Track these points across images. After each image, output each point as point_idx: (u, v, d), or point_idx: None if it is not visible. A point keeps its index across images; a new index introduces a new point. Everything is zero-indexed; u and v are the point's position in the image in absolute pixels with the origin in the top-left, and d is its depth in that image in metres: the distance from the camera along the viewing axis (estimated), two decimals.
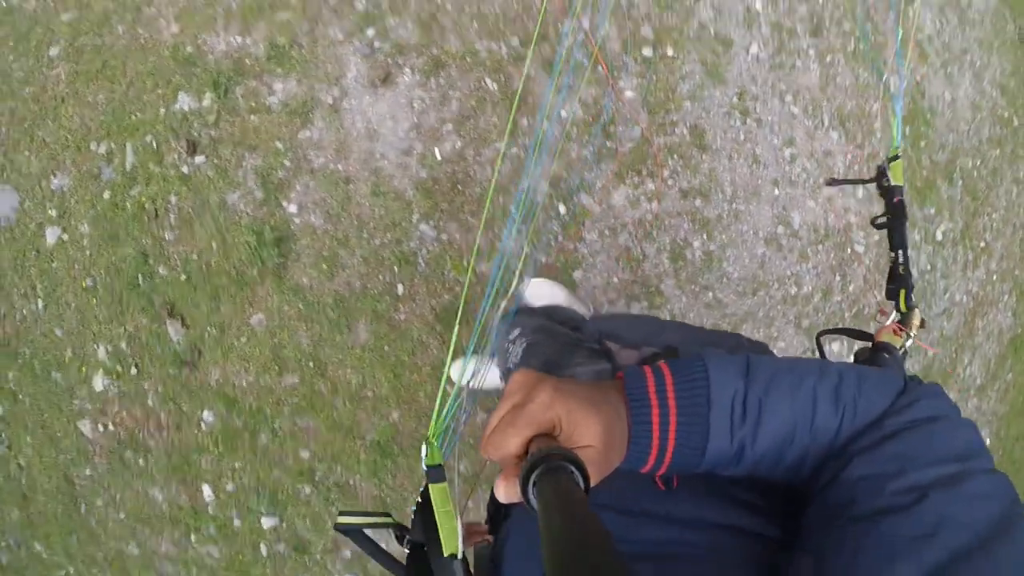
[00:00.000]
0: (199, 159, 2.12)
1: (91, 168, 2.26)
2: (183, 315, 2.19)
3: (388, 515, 0.65)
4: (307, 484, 2.18)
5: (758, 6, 2.17)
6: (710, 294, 2.18)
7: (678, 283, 2.12)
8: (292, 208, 2.03)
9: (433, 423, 0.64)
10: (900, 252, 1.02)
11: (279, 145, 2.03)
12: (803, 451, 0.48)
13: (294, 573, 2.29)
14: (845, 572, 0.39)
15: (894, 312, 1.02)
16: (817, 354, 1.01)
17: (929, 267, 2.50)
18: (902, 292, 1.01)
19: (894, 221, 1.03)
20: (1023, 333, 2.81)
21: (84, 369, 2.36)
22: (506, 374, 1.23)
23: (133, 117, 2.19)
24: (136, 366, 2.27)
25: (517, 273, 1.07)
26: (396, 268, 1.98)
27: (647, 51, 2.02)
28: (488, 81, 1.94)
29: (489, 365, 1.60)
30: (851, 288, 2.37)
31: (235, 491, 2.25)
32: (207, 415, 2.21)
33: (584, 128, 1.98)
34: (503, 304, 0.93)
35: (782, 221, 2.19)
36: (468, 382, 1.57)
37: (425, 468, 0.60)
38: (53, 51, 2.26)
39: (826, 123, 2.23)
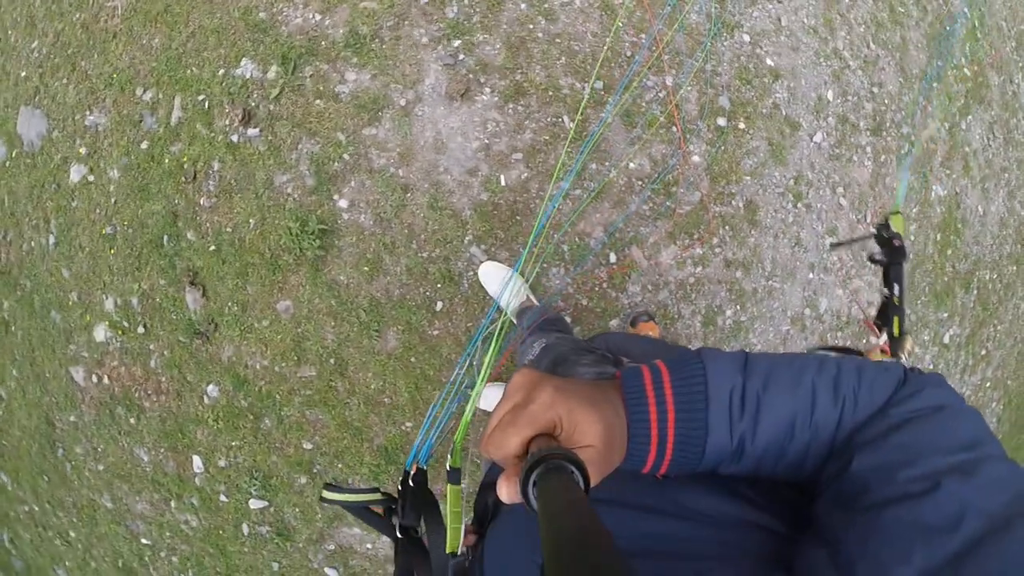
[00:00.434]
0: (252, 131, 2.04)
1: (133, 113, 2.15)
2: (205, 285, 2.12)
3: (376, 489, 0.68)
4: (304, 475, 2.16)
5: (829, 95, 2.22)
6: None
7: (704, 346, 2.17)
8: (343, 203, 1.98)
9: (460, 431, 0.67)
10: (897, 287, 1.08)
11: (341, 136, 1.98)
12: (804, 445, 0.48)
13: (272, 556, 2.29)
14: (863, 561, 0.39)
15: (884, 335, 1.09)
16: None
17: (931, 367, 2.63)
18: (896, 318, 1.07)
19: (892, 259, 1.08)
20: (1003, 439, 2.99)
21: (88, 317, 2.27)
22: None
23: (188, 71, 2.09)
24: (144, 326, 2.20)
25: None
26: (439, 284, 1.97)
27: (721, 120, 2.05)
28: (566, 119, 1.94)
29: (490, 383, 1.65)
30: None
31: (227, 467, 2.22)
32: (212, 389, 2.16)
33: (646, 183, 1.99)
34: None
35: (810, 304, 2.26)
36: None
37: (449, 469, 0.65)
38: None
39: (868, 219, 2.31)
